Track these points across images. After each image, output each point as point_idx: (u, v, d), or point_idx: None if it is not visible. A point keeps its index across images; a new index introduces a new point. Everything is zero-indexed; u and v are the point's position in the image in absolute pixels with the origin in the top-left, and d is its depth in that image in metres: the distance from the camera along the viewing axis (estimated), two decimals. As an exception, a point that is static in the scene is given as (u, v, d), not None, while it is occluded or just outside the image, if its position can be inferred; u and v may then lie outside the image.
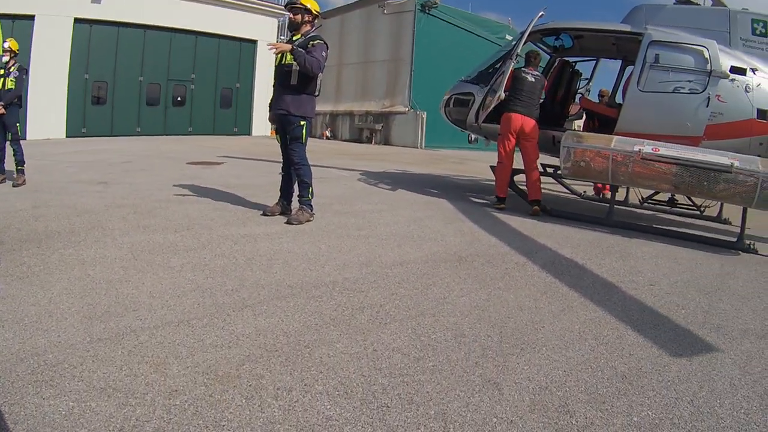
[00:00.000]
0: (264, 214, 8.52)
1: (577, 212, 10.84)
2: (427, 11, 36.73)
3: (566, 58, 14.21)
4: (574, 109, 13.52)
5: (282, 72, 8.36)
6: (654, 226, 10.17)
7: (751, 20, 10.87)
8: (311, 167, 8.48)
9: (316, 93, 8.52)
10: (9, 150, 12.03)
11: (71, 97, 29.62)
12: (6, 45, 12.02)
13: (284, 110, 8.32)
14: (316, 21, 8.66)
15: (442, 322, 4.50)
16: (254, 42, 37.00)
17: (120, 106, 31.88)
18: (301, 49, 8.01)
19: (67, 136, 28.96)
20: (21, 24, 27.88)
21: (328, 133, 40.34)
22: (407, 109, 36.53)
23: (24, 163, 11.87)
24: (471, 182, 15.74)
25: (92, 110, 30.73)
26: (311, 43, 8.17)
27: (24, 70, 12.42)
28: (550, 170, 12.07)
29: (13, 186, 11.30)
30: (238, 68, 36.92)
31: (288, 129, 8.38)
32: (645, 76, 10.78)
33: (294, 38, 8.47)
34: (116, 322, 4.12)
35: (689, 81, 10.54)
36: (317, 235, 7.22)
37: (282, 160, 8.86)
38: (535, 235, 8.51)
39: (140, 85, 33.00)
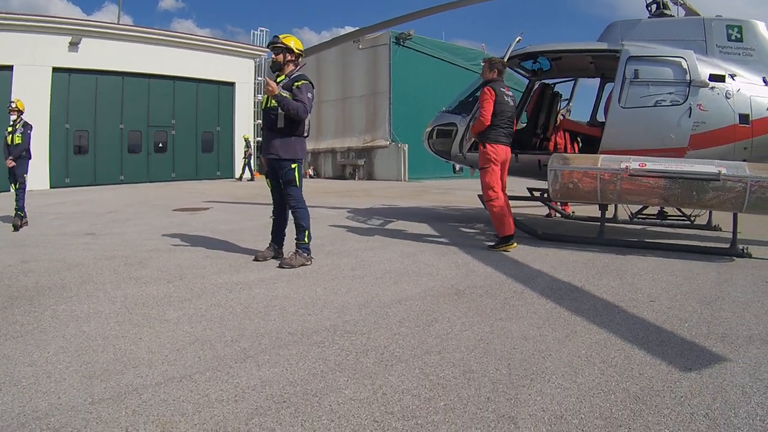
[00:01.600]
0: (256, 260, 8.42)
1: (568, 234, 10.94)
2: (401, 43, 37.15)
3: (545, 81, 14.30)
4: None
5: (269, 116, 8.27)
6: (646, 240, 10.32)
7: (726, 27, 11.04)
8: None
9: (305, 134, 8.38)
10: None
11: (53, 148, 29.83)
12: (13, 105, 13.64)
13: (274, 154, 8.21)
14: (300, 60, 8.52)
15: (448, 359, 4.43)
16: (232, 84, 37.28)
17: (102, 154, 32.03)
18: (285, 96, 7.93)
19: (51, 187, 29.03)
20: None
21: (311, 172, 40.47)
22: (388, 142, 36.82)
23: (24, 209, 13.11)
24: (458, 212, 15.80)
25: (75, 160, 30.89)
26: (296, 84, 8.07)
27: (29, 126, 13.76)
28: (537, 194, 12.10)
29: (14, 229, 12.47)
30: (218, 112, 37.11)
31: (280, 173, 8.27)
32: (626, 92, 10.87)
33: (278, 79, 8.34)
34: (117, 380, 4.01)
35: (670, 93, 10.65)
36: (312, 279, 7.14)
37: (273, 204, 8.74)
38: (529, 261, 8.48)
39: (121, 133, 33.21)
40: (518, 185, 12.84)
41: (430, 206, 17.28)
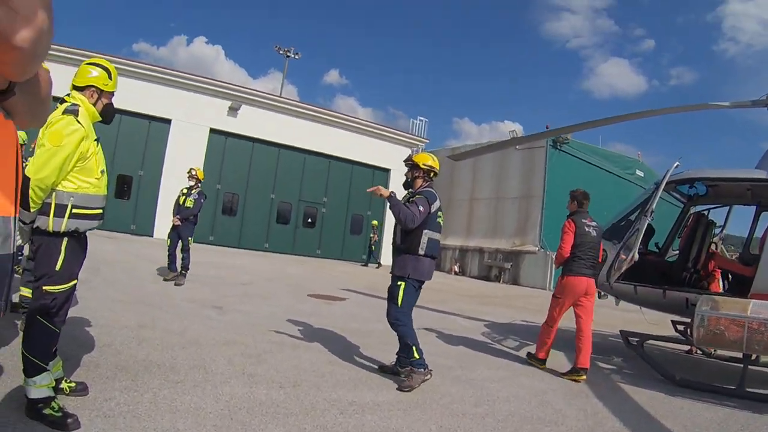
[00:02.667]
0: (381, 370, 8.20)
1: (706, 382, 9.87)
2: (558, 147, 36.83)
3: (700, 211, 13.85)
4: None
5: (394, 229, 8.27)
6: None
7: None
8: (413, 323, 7.98)
9: (421, 252, 7.97)
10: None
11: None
12: (193, 172, 15.74)
13: (392, 269, 8.12)
14: (431, 176, 8.54)
15: None
16: (387, 171, 38.08)
17: (250, 220, 33.61)
18: (396, 198, 7.94)
19: (194, 242, 29.83)
20: (157, 126, 30.90)
21: (456, 269, 40.41)
22: (537, 248, 36.23)
23: (188, 269, 15.00)
24: (598, 338, 14.81)
25: (222, 220, 32.51)
26: (414, 197, 8.05)
27: (203, 195, 15.84)
28: (680, 327, 11.41)
29: (175, 285, 14.02)
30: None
31: (390, 286, 8.09)
32: None
33: (407, 195, 8.40)
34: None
35: None
36: (431, 411, 6.61)
37: None
38: (661, 415, 7.69)
39: (271, 203, 34.46)
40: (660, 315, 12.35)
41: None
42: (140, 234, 29.77)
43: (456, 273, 40.03)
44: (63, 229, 4.66)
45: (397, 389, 7.44)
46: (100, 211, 4.92)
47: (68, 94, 5.03)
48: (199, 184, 15.79)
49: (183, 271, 14.83)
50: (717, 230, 14.45)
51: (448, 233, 43.30)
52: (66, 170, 4.63)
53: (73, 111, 4.82)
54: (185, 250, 15.12)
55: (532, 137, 20.58)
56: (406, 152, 39.11)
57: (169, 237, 15.42)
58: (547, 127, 36.96)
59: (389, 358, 8.46)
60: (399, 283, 7.92)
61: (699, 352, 13.06)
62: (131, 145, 29.46)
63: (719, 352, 12.65)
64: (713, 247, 13.75)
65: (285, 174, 35.23)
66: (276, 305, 12.90)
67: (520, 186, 39.17)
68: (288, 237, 35.52)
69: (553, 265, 34.44)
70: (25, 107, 1.64)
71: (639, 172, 42.69)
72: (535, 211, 37.57)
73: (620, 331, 11.18)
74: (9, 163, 1.52)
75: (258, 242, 33.70)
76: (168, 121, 31.25)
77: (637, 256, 10.43)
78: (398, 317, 7.90)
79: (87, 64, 5.21)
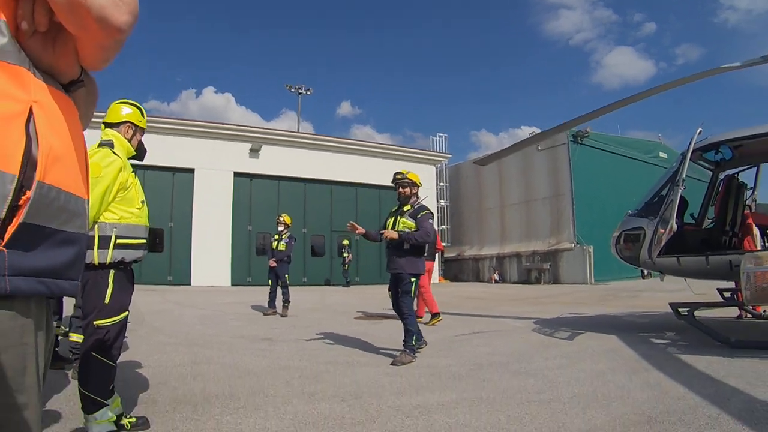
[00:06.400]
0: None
1: (763, 340, 9.99)
2: (579, 141, 37.09)
3: (729, 173, 13.64)
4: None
5: (396, 241, 9.63)
6: None
7: None
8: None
9: (425, 254, 9.96)
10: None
11: (236, 247, 32.33)
12: (281, 219, 18.01)
13: (399, 270, 9.59)
14: (419, 191, 10.30)
15: None
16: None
17: None
18: (409, 233, 9.50)
19: (232, 285, 30.35)
20: (181, 176, 31.64)
21: (496, 277, 40.72)
22: (573, 244, 36.29)
23: (290, 301, 17.11)
24: (647, 318, 14.93)
25: (257, 260, 32.50)
26: (420, 214, 9.66)
27: (293, 238, 17.97)
28: (727, 294, 11.34)
29: (281, 316, 16.35)
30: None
31: (400, 284, 9.55)
32: None
33: (405, 209, 9.93)
34: None
35: None
36: (497, 403, 6.57)
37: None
38: (723, 376, 7.61)
39: (304, 237, 34.61)
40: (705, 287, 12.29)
41: (617, 313, 16.37)
42: (178, 284, 30.22)
43: (496, 281, 40.26)
44: (108, 260, 4.73)
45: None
46: (144, 240, 5.00)
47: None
48: (288, 229, 17.93)
49: (286, 304, 16.91)
50: (749, 192, 14.27)
51: (483, 243, 43.37)
52: (107, 201, 4.72)
53: (108, 144, 4.99)
54: (284, 286, 17.11)
55: (552, 131, 20.46)
56: (431, 170, 39.42)
57: (269, 278, 17.68)
58: (565, 123, 37.11)
59: (445, 363, 8.70)
60: (413, 279, 9.55)
61: (749, 315, 13.04)
62: (158, 198, 29.00)
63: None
64: (748, 210, 13.60)
65: (314, 207, 35.71)
66: (326, 331, 12.82)
67: (547, 186, 39.49)
68: (324, 269, 35.90)
69: (591, 260, 34.51)
70: (81, 103, 1.73)
71: (662, 154, 43.16)
72: (566, 208, 37.75)
73: (669, 303, 11.03)
74: (81, 146, 1.65)
75: (295, 277, 32.94)
76: (191, 171, 31.89)
77: (675, 226, 10.45)
78: (410, 307, 9.56)
79: (118, 103, 5.37)
